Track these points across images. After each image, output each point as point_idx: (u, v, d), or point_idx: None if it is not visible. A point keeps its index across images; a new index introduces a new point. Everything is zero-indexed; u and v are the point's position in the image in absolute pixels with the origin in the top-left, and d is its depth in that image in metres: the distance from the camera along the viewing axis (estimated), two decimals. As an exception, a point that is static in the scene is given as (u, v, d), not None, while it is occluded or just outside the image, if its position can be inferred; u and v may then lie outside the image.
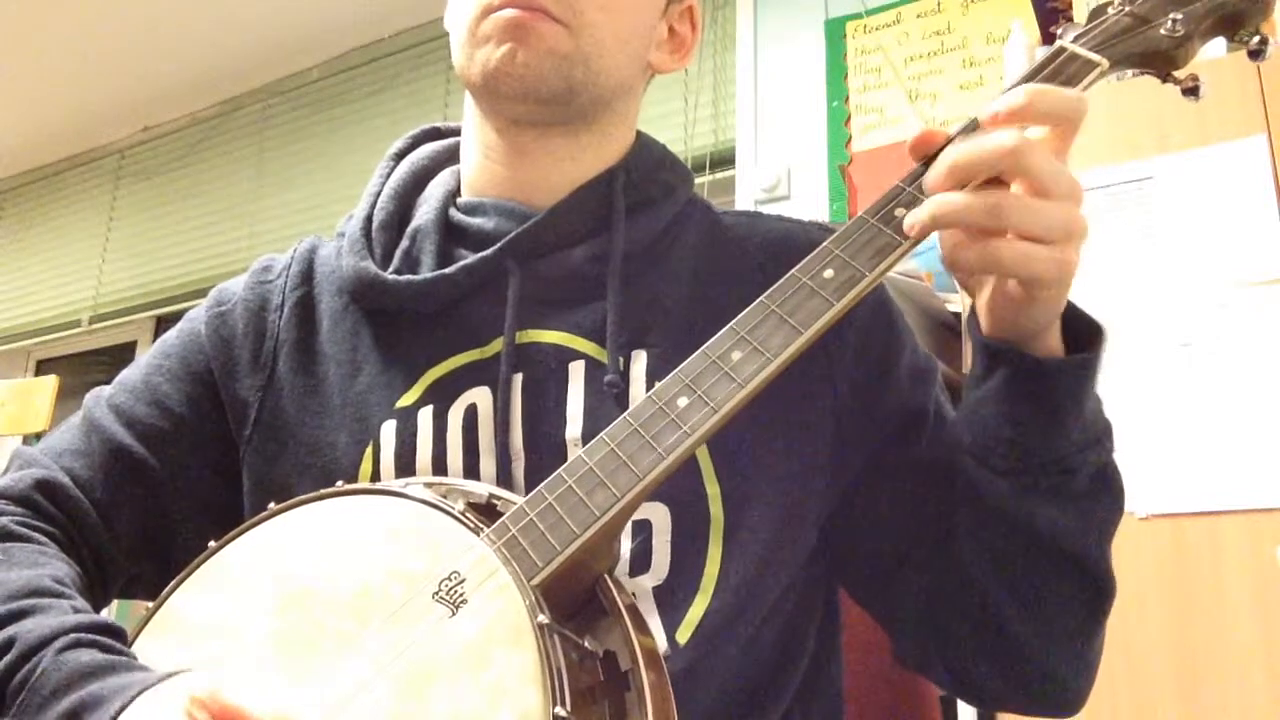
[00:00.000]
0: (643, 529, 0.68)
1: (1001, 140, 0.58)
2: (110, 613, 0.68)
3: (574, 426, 0.70)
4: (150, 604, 0.65)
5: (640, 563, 0.68)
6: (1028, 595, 0.68)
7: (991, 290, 0.65)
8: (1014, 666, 0.70)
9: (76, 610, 0.63)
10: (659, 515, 0.68)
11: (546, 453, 0.69)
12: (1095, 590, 0.68)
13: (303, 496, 0.65)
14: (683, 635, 0.67)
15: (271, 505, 0.65)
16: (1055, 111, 0.61)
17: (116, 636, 0.61)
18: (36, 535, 0.70)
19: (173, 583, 0.64)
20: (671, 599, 0.68)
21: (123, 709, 0.54)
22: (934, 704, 0.94)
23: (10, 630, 0.60)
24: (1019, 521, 0.66)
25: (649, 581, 0.68)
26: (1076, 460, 0.65)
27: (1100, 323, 0.66)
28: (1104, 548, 0.68)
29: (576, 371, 0.72)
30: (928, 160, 0.66)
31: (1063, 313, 0.65)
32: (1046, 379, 0.64)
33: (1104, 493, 0.68)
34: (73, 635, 0.59)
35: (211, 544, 0.65)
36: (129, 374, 0.80)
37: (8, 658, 0.59)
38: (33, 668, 0.58)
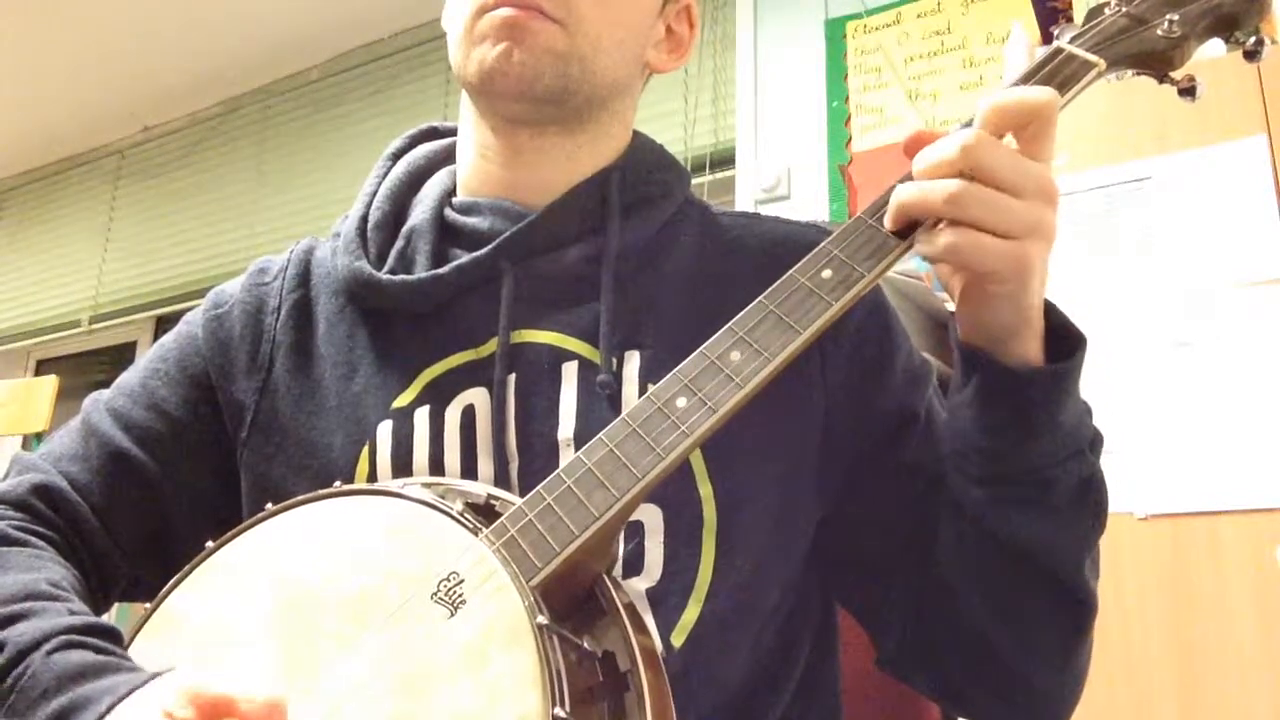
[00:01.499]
0: (635, 531, 0.68)
1: (955, 140, 0.59)
2: (111, 616, 0.68)
3: (567, 427, 0.70)
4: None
5: (633, 565, 0.68)
6: (1005, 606, 0.67)
7: (960, 289, 0.65)
8: (994, 677, 0.70)
9: (73, 613, 0.62)
10: (651, 517, 0.68)
11: (539, 453, 0.69)
12: (1073, 605, 0.67)
13: (300, 497, 0.64)
14: (677, 639, 0.67)
15: (269, 506, 0.65)
16: (1020, 113, 0.61)
17: (110, 637, 0.61)
18: (34, 540, 0.70)
19: (170, 583, 0.64)
20: (665, 602, 0.67)
21: (110, 710, 0.54)
22: (932, 704, 0.94)
23: (3, 634, 0.60)
24: (994, 531, 0.66)
25: (642, 584, 0.67)
26: (1054, 472, 0.65)
27: (1082, 333, 0.66)
28: (1082, 563, 0.67)
29: (570, 372, 0.72)
30: None
31: (1051, 322, 0.65)
32: (1018, 387, 0.64)
33: (1084, 506, 0.66)
34: (64, 637, 0.59)
35: (209, 545, 0.65)
36: (127, 378, 0.81)
37: None
38: (23, 670, 0.57)
